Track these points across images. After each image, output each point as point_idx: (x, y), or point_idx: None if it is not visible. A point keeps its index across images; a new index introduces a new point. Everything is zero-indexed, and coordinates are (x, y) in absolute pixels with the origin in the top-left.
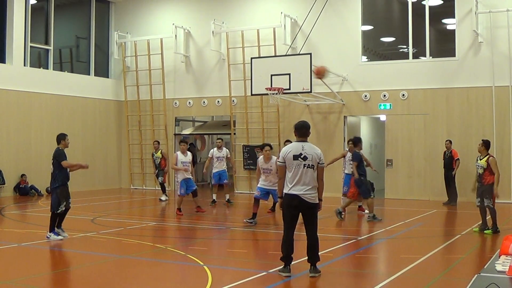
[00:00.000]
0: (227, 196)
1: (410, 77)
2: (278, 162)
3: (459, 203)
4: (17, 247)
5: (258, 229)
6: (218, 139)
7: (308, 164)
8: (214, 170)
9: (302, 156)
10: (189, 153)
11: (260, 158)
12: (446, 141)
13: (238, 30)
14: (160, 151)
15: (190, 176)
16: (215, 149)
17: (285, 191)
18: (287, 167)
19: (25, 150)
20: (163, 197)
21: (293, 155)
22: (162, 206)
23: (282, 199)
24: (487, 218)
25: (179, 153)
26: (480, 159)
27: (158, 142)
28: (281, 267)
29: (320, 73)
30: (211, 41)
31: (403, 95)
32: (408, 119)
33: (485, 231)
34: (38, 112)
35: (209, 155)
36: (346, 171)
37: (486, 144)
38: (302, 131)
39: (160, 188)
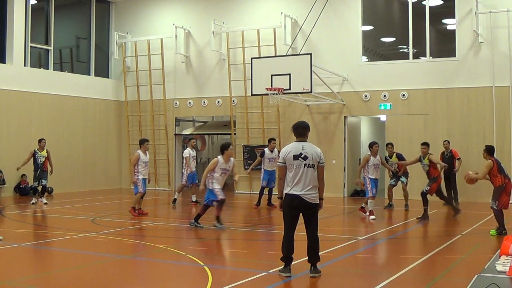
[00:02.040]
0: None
1: (410, 77)
2: (278, 163)
3: (460, 203)
4: (17, 247)
5: (258, 229)
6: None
7: (309, 164)
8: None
9: (302, 156)
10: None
11: (220, 158)
12: (444, 141)
13: (238, 30)
14: (46, 149)
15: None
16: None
17: (285, 191)
18: (287, 167)
19: (25, 150)
20: (34, 200)
21: (293, 155)
22: (161, 206)
23: (281, 200)
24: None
25: (140, 152)
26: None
27: (45, 140)
28: (282, 267)
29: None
30: (211, 41)
31: (403, 95)
32: (408, 119)
33: (490, 232)
34: (39, 112)
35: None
36: (370, 176)
37: (487, 150)
38: (298, 131)
39: (33, 192)
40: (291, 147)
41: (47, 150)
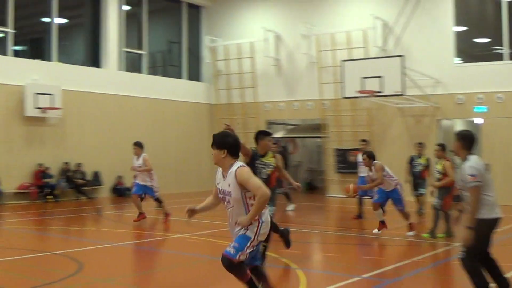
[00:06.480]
0: None
1: (506, 79)
2: (474, 182)
3: None
4: (114, 246)
5: (351, 233)
6: None
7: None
8: None
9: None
10: None
11: None
12: None
13: (328, 33)
14: (426, 157)
15: None
16: None
17: (488, 216)
18: (486, 184)
19: (121, 151)
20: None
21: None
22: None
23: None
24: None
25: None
26: (436, 164)
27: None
28: None
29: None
30: (301, 44)
31: (499, 97)
32: (506, 123)
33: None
34: (134, 115)
35: None
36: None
37: (442, 148)
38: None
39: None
40: (479, 160)
41: (427, 158)
